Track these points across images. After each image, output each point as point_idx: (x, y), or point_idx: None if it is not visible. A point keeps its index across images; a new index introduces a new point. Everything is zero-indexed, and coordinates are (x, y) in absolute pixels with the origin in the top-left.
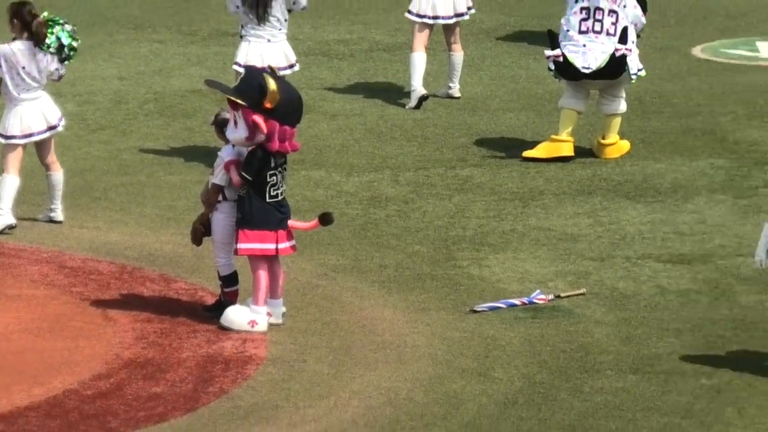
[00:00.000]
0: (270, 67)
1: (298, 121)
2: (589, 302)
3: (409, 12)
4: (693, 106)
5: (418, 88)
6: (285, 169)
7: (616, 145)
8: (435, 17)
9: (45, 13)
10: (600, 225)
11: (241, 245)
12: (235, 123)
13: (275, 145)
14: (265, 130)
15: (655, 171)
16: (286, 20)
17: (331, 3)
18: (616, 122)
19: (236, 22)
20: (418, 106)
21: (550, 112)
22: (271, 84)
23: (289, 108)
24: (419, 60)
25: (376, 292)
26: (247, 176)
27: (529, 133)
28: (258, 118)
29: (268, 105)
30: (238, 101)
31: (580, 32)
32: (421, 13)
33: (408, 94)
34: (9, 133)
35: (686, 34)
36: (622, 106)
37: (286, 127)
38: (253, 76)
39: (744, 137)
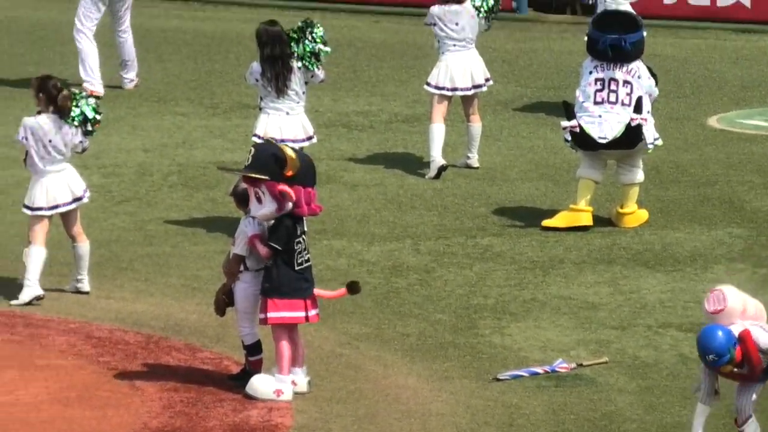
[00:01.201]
0: (268, 139)
1: (314, 183)
2: (611, 371)
3: (428, 84)
4: (710, 176)
5: (437, 158)
6: (306, 235)
7: (635, 214)
8: (453, 89)
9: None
10: (620, 294)
11: (270, 314)
12: (259, 199)
13: (304, 209)
14: (294, 197)
15: (673, 240)
16: (304, 93)
17: (350, 75)
18: (634, 192)
19: (256, 94)
20: (437, 176)
21: (567, 182)
22: (289, 152)
23: (306, 171)
24: (438, 131)
25: (400, 361)
26: (277, 246)
27: (548, 202)
28: (284, 188)
29: (289, 173)
30: (259, 177)
31: (596, 103)
32: (440, 85)
33: (427, 164)
34: (35, 205)
35: (702, 104)
36: (640, 176)
37: (309, 190)
38: (266, 150)
39: (761, 206)
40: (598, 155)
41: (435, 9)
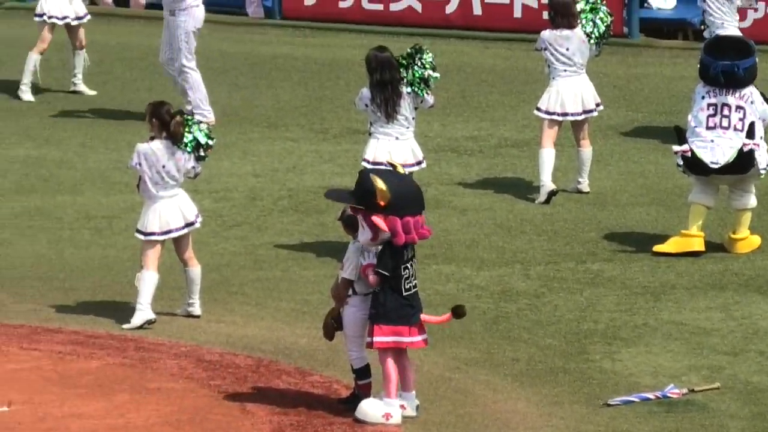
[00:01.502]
0: (389, 162)
1: (420, 208)
2: (723, 396)
3: (538, 109)
4: None
5: (547, 183)
6: (415, 261)
7: (747, 240)
8: (564, 114)
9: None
10: (732, 319)
11: (376, 338)
12: (362, 226)
13: (401, 239)
14: (386, 228)
15: None
16: (413, 118)
17: (459, 101)
18: (747, 217)
19: (365, 120)
20: (547, 201)
21: (679, 207)
22: (378, 183)
23: (405, 200)
24: (548, 156)
25: (509, 386)
26: (384, 272)
27: (659, 227)
28: (377, 219)
29: (381, 203)
30: (356, 206)
31: (708, 128)
32: (551, 110)
33: (537, 189)
34: (148, 230)
35: None
36: (753, 201)
37: (408, 219)
38: (363, 180)
39: None
40: (710, 180)
41: (546, 34)
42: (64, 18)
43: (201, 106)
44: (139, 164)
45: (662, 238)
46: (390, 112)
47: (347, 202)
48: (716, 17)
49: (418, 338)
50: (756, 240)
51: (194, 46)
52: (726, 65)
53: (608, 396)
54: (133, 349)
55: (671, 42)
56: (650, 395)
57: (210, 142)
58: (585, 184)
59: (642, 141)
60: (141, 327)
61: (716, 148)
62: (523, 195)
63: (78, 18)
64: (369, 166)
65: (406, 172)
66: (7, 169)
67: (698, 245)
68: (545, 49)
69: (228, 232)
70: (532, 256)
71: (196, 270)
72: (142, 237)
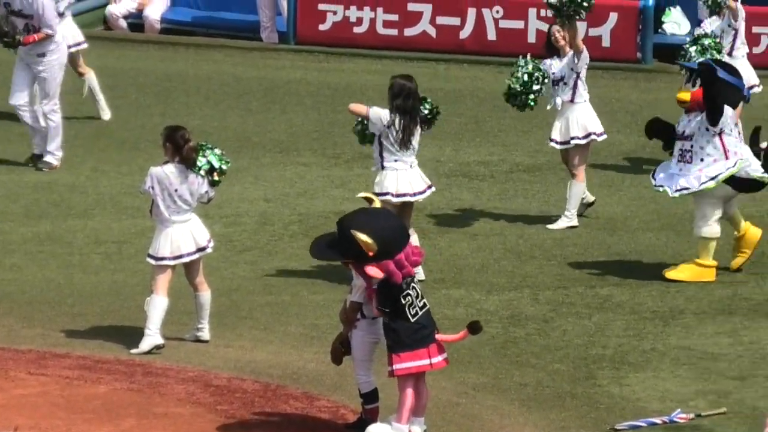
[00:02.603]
0: (365, 197)
1: (406, 240)
2: (730, 421)
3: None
4: None
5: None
6: (415, 284)
7: (749, 232)
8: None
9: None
10: (740, 344)
11: (396, 366)
12: (356, 275)
13: (398, 278)
14: (381, 275)
15: None
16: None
17: (471, 126)
18: (737, 214)
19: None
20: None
21: (689, 232)
22: (361, 237)
23: (391, 241)
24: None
25: (517, 411)
26: (385, 309)
27: (669, 253)
28: (370, 269)
29: (370, 254)
30: (346, 261)
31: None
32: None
33: (547, 215)
34: (159, 255)
35: None
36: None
37: (399, 256)
38: (346, 234)
39: None
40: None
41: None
42: (77, 45)
43: (55, 153)
44: (152, 188)
45: (672, 263)
46: (405, 140)
47: (337, 259)
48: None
49: (439, 358)
50: (757, 232)
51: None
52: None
53: (615, 421)
54: (140, 374)
55: None
56: (657, 420)
57: (224, 167)
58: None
59: (653, 166)
60: (149, 352)
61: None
62: (533, 220)
63: (77, 44)
64: (394, 200)
65: (380, 205)
66: (18, 194)
67: (710, 276)
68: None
69: (238, 257)
70: (541, 281)
71: (206, 295)
72: (153, 262)
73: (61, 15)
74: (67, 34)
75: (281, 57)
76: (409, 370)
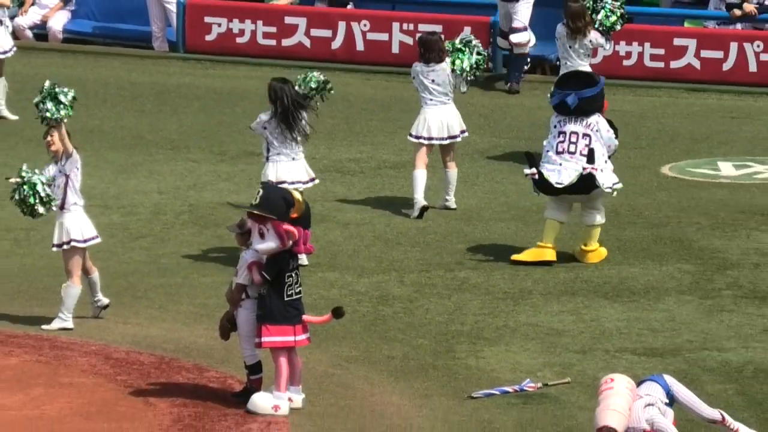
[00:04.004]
0: (269, 182)
1: (310, 224)
2: (573, 390)
3: (410, 135)
4: (662, 218)
5: (419, 200)
6: (299, 271)
7: (596, 252)
8: (430, 138)
9: (47, 83)
10: (582, 321)
11: (264, 339)
12: (262, 235)
13: (301, 248)
14: (297, 236)
15: (629, 274)
16: (305, 140)
17: (343, 126)
18: (596, 232)
19: (260, 143)
20: (420, 216)
21: (536, 222)
22: (297, 195)
23: (306, 215)
24: (420, 176)
25: (385, 381)
26: (268, 276)
27: (518, 240)
28: (289, 228)
29: (294, 215)
30: (268, 216)
31: (557, 153)
32: (419, 135)
33: (411, 206)
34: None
35: (656, 154)
36: (601, 218)
37: (308, 231)
38: (275, 192)
39: (707, 245)
40: (563, 199)
41: (416, 66)
42: (4, 52)
43: None
44: None
45: (521, 250)
46: (288, 135)
47: (257, 211)
48: (564, 57)
49: (302, 337)
50: (603, 252)
51: None
52: (566, 94)
53: (472, 389)
54: (48, 348)
55: (531, 75)
56: (509, 389)
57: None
58: (452, 201)
59: (504, 164)
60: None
61: (563, 171)
62: (398, 211)
63: (5, 52)
64: (268, 184)
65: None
66: None
67: (550, 255)
68: (414, 78)
69: (134, 243)
70: (406, 265)
71: (95, 275)
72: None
73: None
74: (6, 44)
75: (171, 64)
76: (275, 343)
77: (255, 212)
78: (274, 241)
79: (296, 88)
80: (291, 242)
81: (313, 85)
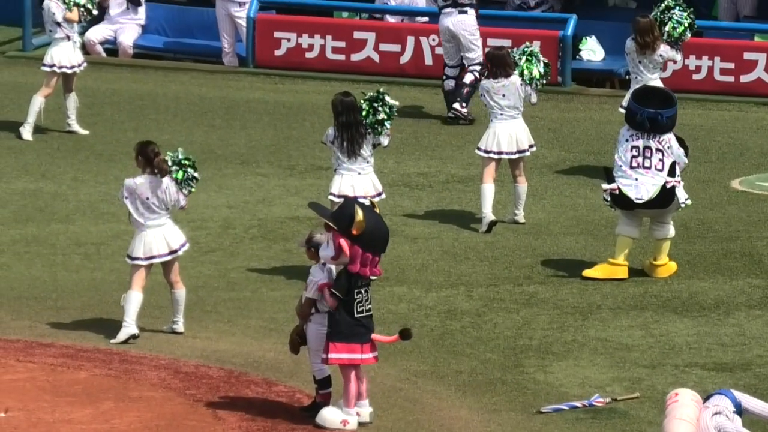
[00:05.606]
0: (371, 202)
1: (382, 251)
2: (642, 405)
3: (478, 149)
4: (732, 232)
5: (488, 214)
6: (369, 290)
7: (666, 266)
8: (500, 153)
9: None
10: (651, 336)
11: (331, 355)
12: (327, 242)
13: (356, 267)
14: (347, 253)
15: (699, 289)
16: (371, 155)
17: (412, 141)
18: (666, 246)
19: (329, 157)
20: (488, 231)
21: (605, 236)
22: (359, 214)
23: (373, 238)
24: (489, 190)
25: (453, 395)
26: (338, 294)
27: (588, 255)
28: (343, 242)
29: (354, 232)
30: (330, 225)
31: (632, 167)
32: (488, 149)
33: (479, 220)
34: (134, 255)
35: (726, 168)
36: (671, 232)
37: (369, 255)
38: (348, 206)
39: None
40: (635, 214)
41: (484, 83)
42: (72, 67)
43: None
44: (126, 197)
45: (590, 264)
46: (351, 150)
47: (325, 218)
48: (635, 71)
49: (370, 355)
50: (673, 266)
51: None
52: (651, 113)
53: (541, 404)
54: (117, 362)
55: (599, 90)
56: (578, 404)
57: (197, 176)
58: (521, 216)
59: (573, 178)
60: (125, 341)
61: (640, 186)
62: (467, 225)
63: (73, 67)
64: (335, 199)
65: (379, 211)
66: (7, 200)
67: (623, 273)
68: (483, 95)
69: (204, 257)
70: (474, 279)
71: (181, 292)
72: (129, 261)
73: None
74: (74, 58)
75: (241, 79)
76: (341, 360)
77: (325, 220)
78: (330, 252)
79: (365, 121)
80: (346, 258)
81: (381, 117)
